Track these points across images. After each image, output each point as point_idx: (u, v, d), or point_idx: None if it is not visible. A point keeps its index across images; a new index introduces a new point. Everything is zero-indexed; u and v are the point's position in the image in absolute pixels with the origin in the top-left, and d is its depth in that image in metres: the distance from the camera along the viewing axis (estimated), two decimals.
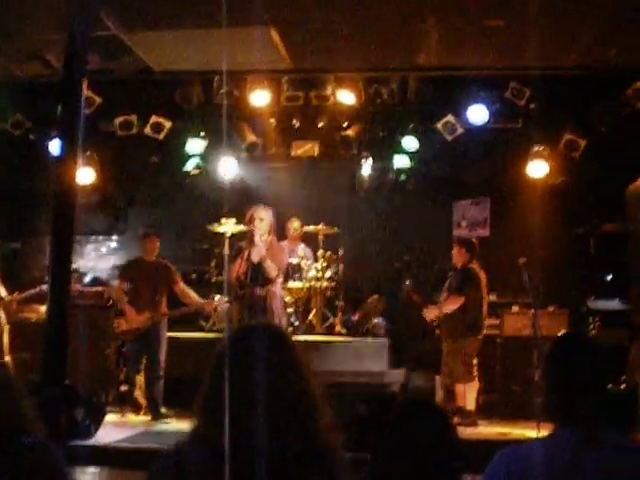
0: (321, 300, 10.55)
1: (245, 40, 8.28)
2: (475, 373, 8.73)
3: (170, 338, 9.19)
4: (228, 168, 11.36)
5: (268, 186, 11.49)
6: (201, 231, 11.03)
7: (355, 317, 10.60)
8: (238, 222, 9.54)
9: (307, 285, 10.35)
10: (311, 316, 10.48)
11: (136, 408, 8.92)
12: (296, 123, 11.53)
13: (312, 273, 10.36)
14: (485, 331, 8.95)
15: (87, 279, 10.99)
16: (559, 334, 2.87)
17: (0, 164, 10.81)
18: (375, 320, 10.28)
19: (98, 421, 7.45)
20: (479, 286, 8.82)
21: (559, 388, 2.62)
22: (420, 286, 10.13)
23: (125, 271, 9.37)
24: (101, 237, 12.08)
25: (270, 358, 2.05)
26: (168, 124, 10.70)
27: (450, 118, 10.36)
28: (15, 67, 9.41)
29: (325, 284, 10.50)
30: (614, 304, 9.85)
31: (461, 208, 11.70)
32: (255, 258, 8.33)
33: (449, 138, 10.44)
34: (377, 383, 8.95)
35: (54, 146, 9.39)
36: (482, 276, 8.89)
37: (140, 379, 9.01)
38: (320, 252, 10.54)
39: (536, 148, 10.38)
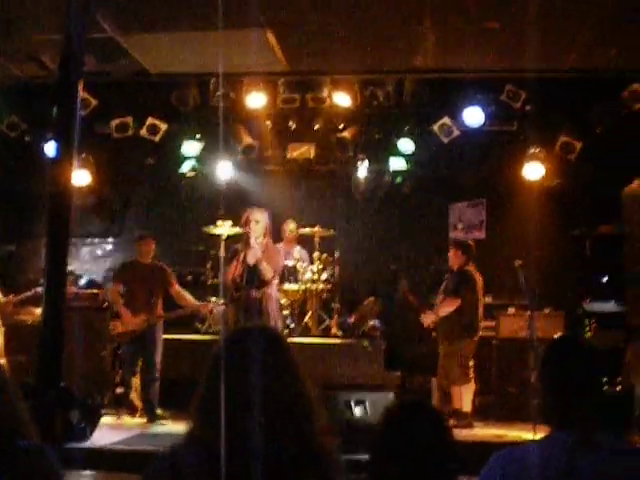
0: (317, 302, 10.54)
1: (241, 42, 8.27)
2: (471, 375, 8.74)
3: (166, 340, 9.18)
4: (224, 170, 11.36)
5: (264, 188, 11.49)
6: (197, 233, 11.02)
7: (351, 319, 10.59)
8: (234, 224, 9.53)
9: (303, 287, 10.34)
10: (307, 318, 10.47)
11: (132, 410, 8.91)
12: (292, 125, 11.53)
13: (308, 275, 10.35)
14: (481, 333, 8.95)
15: (83, 281, 10.97)
16: (555, 337, 2.88)
17: None
18: (371, 322, 10.27)
19: (94, 423, 7.45)
20: (475, 288, 8.82)
21: (555, 391, 2.62)
22: (416, 288, 10.14)
23: (121, 273, 9.36)
24: (97, 239, 12.07)
25: (266, 360, 2.05)
26: (164, 126, 10.70)
27: (446, 120, 10.36)
28: (11, 68, 9.39)
29: (321, 286, 10.49)
30: (610, 306, 9.86)
31: (457, 210, 11.71)
32: (251, 260, 8.34)
33: (445, 140, 10.44)
34: (373, 385, 8.94)
35: (49, 148, 9.37)
36: (478, 278, 8.90)
37: (136, 381, 9.01)
38: (316, 254, 10.53)
39: (532, 150, 10.40)
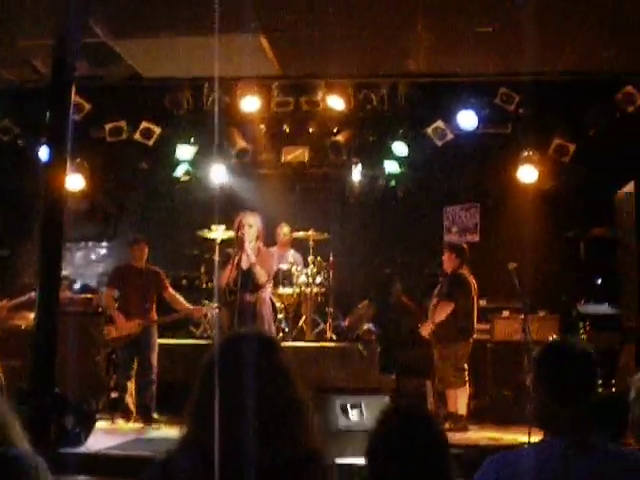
0: (311, 306, 10.53)
1: (234, 47, 8.26)
2: (466, 378, 8.74)
3: (161, 344, 9.17)
4: (218, 174, 11.35)
5: (258, 192, 11.48)
6: (191, 237, 11.02)
7: (345, 323, 10.58)
8: (228, 228, 9.53)
9: (297, 291, 10.33)
10: (301, 322, 10.46)
11: (127, 415, 8.87)
12: (286, 129, 11.54)
13: (302, 279, 10.34)
14: (476, 336, 8.95)
15: (77, 286, 10.95)
16: (548, 340, 2.88)
17: None
18: (365, 326, 10.26)
19: (88, 429, 7.41)
20: (469, 291, 8.82)
21: (548, 394, 2.62)
22: (411, 291, 10.13)
23: (114, 278, 9.34)
24: (91, 243, 12.05)
25: (259, 365, 2.05)
26: (158, 130, 10.69)
27: (440, 124, 10.38)
28: (3, 73, 9.37)
29: (315, 290, 10.48)
30: (604, 308, 9.87)
31: (451, 213, 11.72)
32: (245, 265, 8.34)
33: (439, 143, 10.45)
34: (368, 389, 8.93)
35: (43, 152, 9.36)
36: (472, 281, 8.90)
37: (131, 386, 8.98)
38: (310, 258, 10.53)
39: (526, 153, 10.42)
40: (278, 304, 10.10)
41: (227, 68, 9.17)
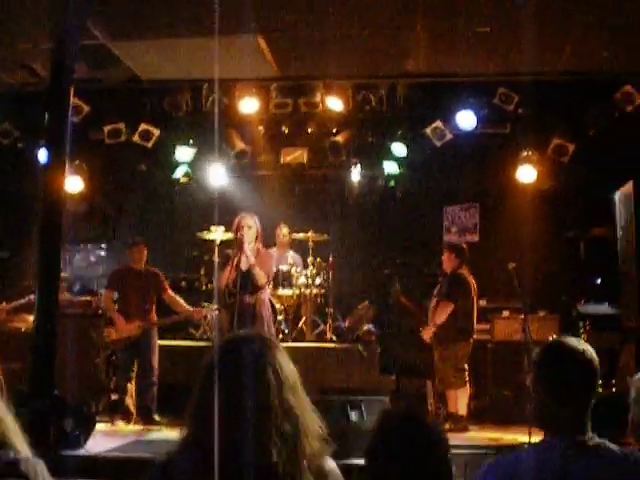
0: (311, 307, 10.54)
1: (232, 49, 8.26)
2: (466, 378, 8.73)
3: (161, 346, 9.16)
4: (217, 176, 11.35)
5: (257, 193, 11.48)
6: (190, 239, 11.03)
7: (345, 324, 10.58)
8: (227, 229, 9.52)
9: (297, 292, 10.34)
10: (301, 323, 10.47)
11: (127, 417, 8.87)
12: (285, 130, 11.54)
13: (302, 280, 10.35)
14: (476, 336, 8.94)
15: (76, 288, 10.94)
16: (548, 341, 2.87)
17: None
18: (365, 327, 10.26)
19: (88, 431, 7.41)
20: (468, 291, 8.81)
21: (548, 395, 2.61)
22: (410, 292, 10.12)
23: (114, 280, 9.33)
24: (90, 245, 12.03)
25: (259, 367, 2.05)
26: (157, 132, 10.68)
27: (439, 124, 10.37)
28: (2, 76, 9.37)
29: (315, 291, 10.49)
30: (604, 308, 9.86)
31: (451, 214, 11.72)
32: (244, 266, 8.33)
33: (438, 144, 10.45)
34: (368, 389, 8.93)
35: (42, 155, 9.35)
36: (471, 281, 8.89)
37: (131, 387, 8.98)
38: (310, 259, 10.53)
39: (525, 153, 10.42)
40: (278, 305, 10.10)
41: (225, 70, 9.17)
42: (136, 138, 10.64)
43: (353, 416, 6.99)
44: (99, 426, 8.00)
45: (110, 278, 9.52)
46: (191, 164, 11.41)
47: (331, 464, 2.18)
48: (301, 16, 7.79)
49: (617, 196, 9.86)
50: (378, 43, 8.57)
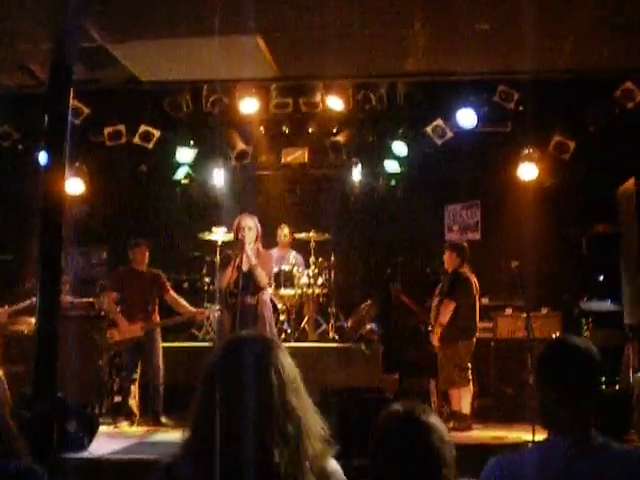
0: (314, 307, 10.54)
1: (231, 49, 8.25)
2: (470, 377, 8.72)
3: (163, 347, 9.16)
4: (218, 176, 11.35)
5: (258, 193, 11.48)
6: (192, 240, 11.02)
7: (348, 323, 10.57)
8: (229, 230, 9.52)
9: (299, 292, 10.34)
10: (304, 323, 10.47)
11: (130, 418, 8.86)
12: (285, 130, 11.54)
13: (304, 280, 10.35)
14: (478, 334, 8.94)
15: (78, 290, 10.92)
16: (551, 339, 2.86)
17: None
18: (368, 326, 10.26)
19: (91, 433, 7.40)
20: (470, 290, 8.81)
21: (549, 394, 2.60)
22: (412, 291, 10.11)
23: (116, 281, 9.33)
24: (91, 247, 12.02)
25: (261, 369, 2.04)
26: (157, 133, 10.67)
27: (439, 122, 10.36)
28: (1, 78, 9.36)
29: (317, 291, 10.49)
30: (607, 305, 9.85)
31: (452, 212, 11.71)
32: (245, 266, 8.32)
33: (439, 142, 10.44)
34: (372, 389, 8.92)
35: (41, 157, 9.36)
36: (473, 280, 8.88)
37: (134, 389, 8.98)
38: (312, 259, 10.53)
39: (526, 151, 10.41)
40: (280, 305, 10.10)
41: (225, 70, 9.16)
42: (137, 139, 10.64)
43: (356, 415, 6.97)
44: (102, 428, 7.99)
45: (112, 279, 9.52)
46: (192, 165, 11.42)
47: (334, 465, 2.17)
48: (300, 16, 7.77)
49: (619, 193, 9.83)
50: (378, 42, 8.55)
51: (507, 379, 9.25)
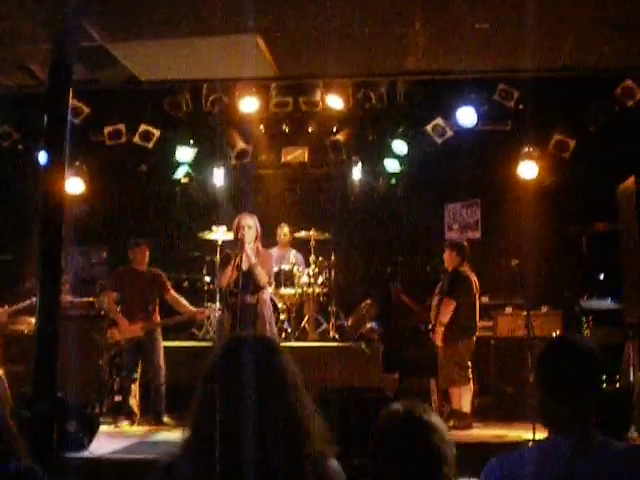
0: (314, 306, 10.54)
1: (231, 48, 8.25)
2: (470, 376, 8.72)
3: (164, 347, 9.16)
4: (218, 176, 11.35)
5: (259, 193, 11.48)
6: (192, 239, 11.02)
7: (348, 322, 10.57)
8: (229, 229, 9.52)
9: (299, 291, 10.34)
10: (304, 322, 10.47)
11: (131, 417, 8.86)
12: (285, 129, 11.53)
13: (304, 279, 10.35)
14: (479, 333, 8.94)
15: (78, 289, 10.92)
16: (551, 337, 2.86)
17: None
18: (368, 325, 10.26)
19: (92, 433, 7.40)
20: (470, 288, 8.81)
21: (548, 393, 2.60)
22: (412, 290, 10.11)
23: (116, 281, 9.32)
24: (91, 247, 12.02)
25: (261, 369, 2.04)
26: (157, 132, 10.66)
27: (439, 121, 10.36)
28: (1, 78, 9.36)
29: (318, 290, 10.49)
30: (607, 303, 9.85)
31: (452, 211, 11.71)
32: (245, 266, 8.32)
33: (439, 141, 10.43)
34: (372, 388, 8.92)
35: (41, 156, 9.36)
36: (473, 278, 8.88)
37: (135, 388, 8.98)
38: (312, 258, 10.53)
39: (526, 149, 10.40)
40: (280, 304, 10.10)
41: (225, 69, 9.16)
42: (136, 139, 10.63)
43: (356, 415, 6.97)
44: (103, 427, 8.00)
45: (112, 279, 9.51)
46: (192, 164, 11.42)
47: (334, 465, 2.17)
48: (300, 15, 7.76)
49: (619, 191, 9.83)
50: (377, 41, 8.54)
51: (507, 378, 9.25)
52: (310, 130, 11.50)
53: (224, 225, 10.03)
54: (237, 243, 8.40)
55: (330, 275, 10.60)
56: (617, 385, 8.44)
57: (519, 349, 8.91)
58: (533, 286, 8.68)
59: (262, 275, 8.35)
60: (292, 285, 10.29)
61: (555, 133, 10.23)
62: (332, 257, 10.64)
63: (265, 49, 8.54)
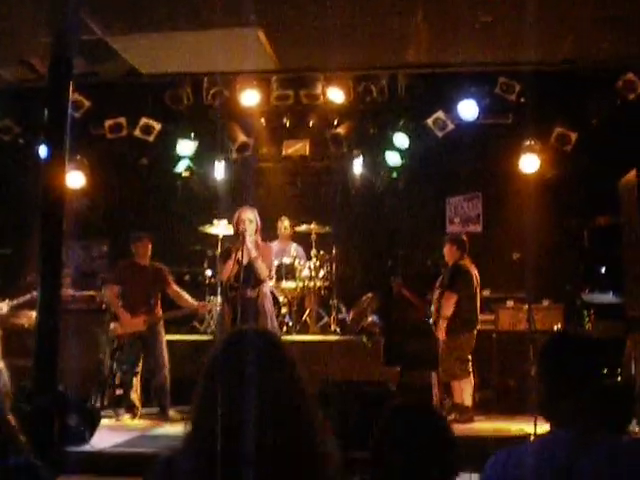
0: (315, 299, 10.54)
1: (232, 41, 8.24)
2: (470, 369, 8.72)
3: (167, 340, 9.15)
4: (219, 169, 11.34)
5: (259, 186, 11.47)
6: (193, 233, 11.01)
7: (349, 316, 10.58)
8: (230, 223, 9.51)
9: (301, 285, 10.33)
10: (305, 316, 10.47)
11: (132, 411, 8.87)
12: (286, 122, 11.52)
13: (305, 273, 10.35)
14: (480, 326, 8.93)
15: (78, 283, 10.93)
16: (553, 332, 2.87)
17: None
18: (370, 318, 10.26)
19: (93, 427, 7.40)
20: (471, 282, 8.80)
21: (549, 387, 2.59)
22: (413, 283, 10.10)
23: (118, 275, 9.30)
24: (92, 241, 12.02)
25: (262, 364, 2.03)
26: (158, 126, 10.65)
27: (440, 114, 10.34)
28: (2, 72, 9.35)
29: (319, 283, 10.48)
30: (608, 297, 9.85)
31: (454, 204, 11.70)
32: (246, 259, 8.31)
33: (440, 134, 10.41)
34: (373, 381, 8.92)
35: (42, 150, 9.36)
36: (474, 272, 8.87)
37: (136, 382, 8.98)
38: (313, 251, 10.52)
39: (527, 142, 10.37)
40: (281, 298, 10.10)
41: (226, 63, 9.15)
42: (137, 132, 10.62)
43: (357, 408, 6.97)
44: (104, 421, 8.00)
45: (114, 273, 9.49)
46: (193, 158, 11.41)
47: (335, 458, 2.16)
48: (301, 8, 7.75)
49: (621, 184, 9.81)
50: (378, 34, 8.53)
51: (509, 371, 9.26)
52: (311, 123, 11.49)
53: (225, 219, 10.02)
54: (238, 237, 8.39)
55: (331, 269, 10.60)
56: (618, 379, 8.44)
57: (520, 343, 8.90)
58: (534, 280, 8.67)
59: (263, 269, 8.34)
60: (293, 279, 10.28)
61: (557, 126, 10.22)
62: (333, 250, 10.64)
63: (266, 42, 8.53)
